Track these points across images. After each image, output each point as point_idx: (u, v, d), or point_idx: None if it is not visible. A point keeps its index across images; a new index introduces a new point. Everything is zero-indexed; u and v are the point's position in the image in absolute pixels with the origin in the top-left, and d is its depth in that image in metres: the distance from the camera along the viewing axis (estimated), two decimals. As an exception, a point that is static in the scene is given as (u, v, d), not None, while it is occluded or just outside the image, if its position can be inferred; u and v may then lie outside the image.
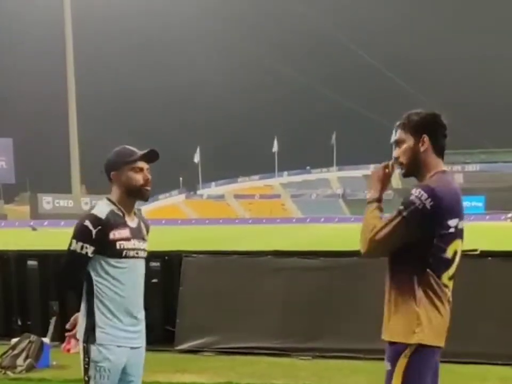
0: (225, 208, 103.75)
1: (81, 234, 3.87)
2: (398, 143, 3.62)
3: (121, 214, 3.98)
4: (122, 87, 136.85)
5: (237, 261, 8.87)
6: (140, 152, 4.01)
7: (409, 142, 3.57)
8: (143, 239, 4.11)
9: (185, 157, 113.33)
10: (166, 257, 9.08)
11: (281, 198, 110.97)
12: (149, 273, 8.75)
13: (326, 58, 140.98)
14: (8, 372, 7.58)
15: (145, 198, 4.06)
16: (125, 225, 3.97)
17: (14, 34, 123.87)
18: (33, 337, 8.01)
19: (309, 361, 7.99)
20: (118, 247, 3.90)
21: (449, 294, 3.56)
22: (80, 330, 4.00)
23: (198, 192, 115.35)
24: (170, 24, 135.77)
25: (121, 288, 3.94)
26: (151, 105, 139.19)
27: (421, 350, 3.40)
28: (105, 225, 3.87)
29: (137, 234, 4.04)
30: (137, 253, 4.02)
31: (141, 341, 4.12)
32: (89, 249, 3.85)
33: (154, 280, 8.91)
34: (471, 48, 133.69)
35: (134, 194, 4.02)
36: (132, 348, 4.01)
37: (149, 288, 8.79)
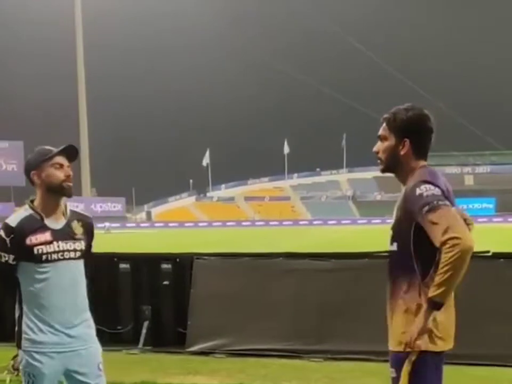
0: (235, 210, 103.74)
1: (2, 244, 3.86)
2: (381, 138, 3.61)
3: (39, 217, 3.91)
4: (132, 91, 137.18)
5: (248, 263, 8.87)
6: (57, 149, 3.97)
7: (391, 141, 3.56)
8: (74, 238, 3.98)
9: (195, 160, 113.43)
10: (177, 259, 9.09)
11: (290, 200, 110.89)
12: (160, 275, 8.91)
13: (336, 60, 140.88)
14: (21, 374, 7.61)
15: (67, 194, 3.97)
16: (44, 228, 3.89)
17: (24, 38, 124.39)
18: (45, 339, 8.04)
19: (321, 363, 7.98)
20: (36, 252, 3.84)
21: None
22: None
23: (208, 194, 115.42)
24: (178, 27, 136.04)
25: (48, 293, 3.89)
26: (160, 108, 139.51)
27: (424, 356, 3.37)
28: (18, 232, 3.83)
29: (63, 235, 3.94)
30: (62, 255, 3.91)
31: (84, 343, 4.02)
32: (9, 258, 3.85)
33: (165, 282, 8.95)
34: (482, 49, 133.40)
35: (55, 192, 3.95)
36: (70, 351, 3.95)
37: (161, 290, 8.93)
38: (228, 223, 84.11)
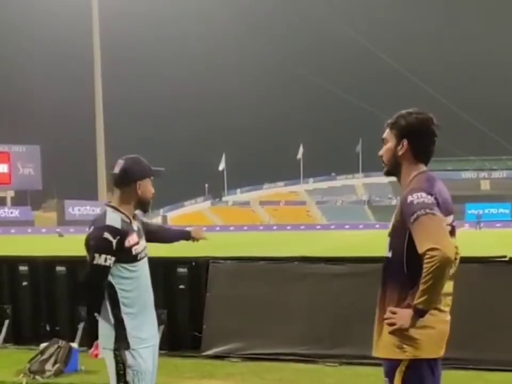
0: (250, 214, 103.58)
1: (103, 247, 3.96)
2: (384, 141, 3.69)
3: (128, 220, 4.13)
4: (148, 94, 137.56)
5: (263, 267, 8.87)
6: (156, 168, 4.28)
7: (392, 143, 3.64)
8: (142, 236, 4.30)
9: (210, 164, 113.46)
10: (193, 263, 9.10)
11: (306, 204, 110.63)
12: (176, 279, 8.91)
13: (352, 65, 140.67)
14: (37, 377, 7.65)
15: (148, 209, 4.32)
16: (133, 230, 4.14)
17: (39, 39, 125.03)
18: (61, 342, 8.09)
19: (336, 367, 7.97)
20: (133, 252, 4.09)
21: (447, 299, 3.55)
22: (105, 339, 4.11)
23: (223, 198, 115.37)
24: (194, 31, 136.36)
25: (141, 289, 4.14)
26: (176, 112, 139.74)
27: (414, 364, 3.42)
28: (122, 234, 4.01)
29: (141, 235, 4.24)
30: (145, 253, 4.25)
31: (157, 338, 4.35)
32: (111, 260, 3.98)
33: (181, 286, 8.97)
34: (503, 52, 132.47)
35: (143, 205, 4.21)
36: (154, 345, 4.23)
37: (176, 294, 8.94)
38: (243, 228, 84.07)
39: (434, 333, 3.45)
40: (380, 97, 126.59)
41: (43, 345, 8.17)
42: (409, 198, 3.38)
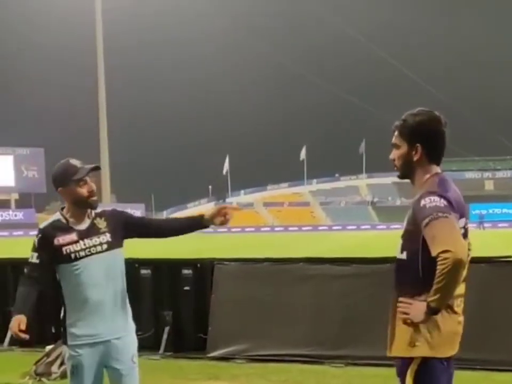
0: (254, 216, 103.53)
1: (32, 245, 4.29)
2: (394, 146, 3.64)
3: (65, 221, 4.27)
4: (150, 97, 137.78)
5: (268, 268, 8.86)
6: (84, 169, 4.26)
7: (404, 148, 3.58)
8: (99, 233, 4.29)
9: (214, 166, 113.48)
10: (198, 265, 9.11)
11: (310, 205, 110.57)
12: (181, 280, 8.94)
13: (354, 65, 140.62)
14: (43, 379, 7.67)
15: (92, 207, 4.33)
16: (69, 230, 4.25)
17: (45, 45, 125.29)
18: (67, 345, 8.09)
19: (341, 368, 7.96)
20: (64, 252, 4.19)
21: (459, 300, 3.54)
22: None
23: (227, 200, 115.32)
24: (196, 35, 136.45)
25: (84, 289, 4.19)
26: (180, 115, 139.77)
27: (426, 363, 3.41)
28: (45, 234, 4.24)
29: (87, 233, 4.25)
30: (90, 251, 4.23)
31: (120, 334, 4.32)
32: (37, 257, 4.22)
33: (186, 288, 8.97)
34: (506, 52, 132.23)
35: (80, 206, 4.29)
36: (106, 341, 4.25)
37: (181, 296, 8.95)
38: (247, 229, 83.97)
39: (446, 333, 3.44)
40: (382, 97, 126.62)
41: (49, 347, 8.19)
42: (422, 202, 3.37)
